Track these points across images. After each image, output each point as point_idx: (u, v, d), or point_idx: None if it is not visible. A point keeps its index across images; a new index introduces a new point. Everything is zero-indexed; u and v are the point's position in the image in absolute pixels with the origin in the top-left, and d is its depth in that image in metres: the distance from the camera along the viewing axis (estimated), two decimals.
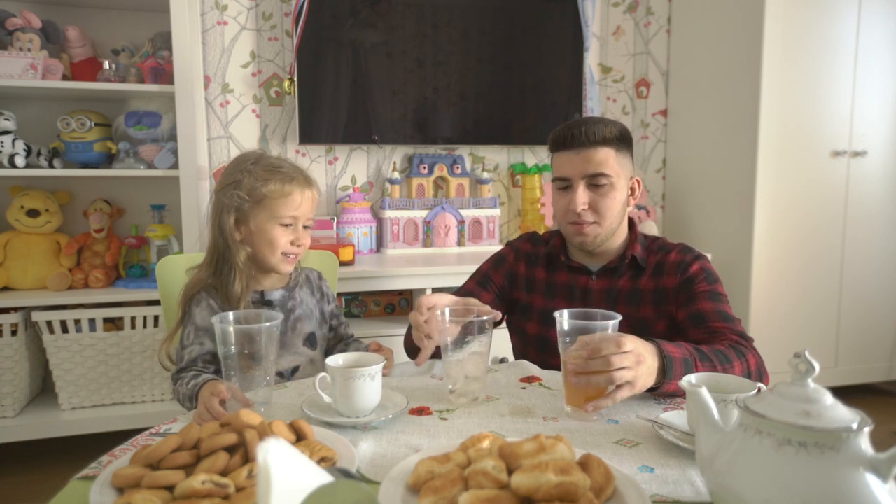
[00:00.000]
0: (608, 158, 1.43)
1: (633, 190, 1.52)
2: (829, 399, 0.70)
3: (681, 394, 1.17)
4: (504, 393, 1.22)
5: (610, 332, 1.11)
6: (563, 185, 1.47)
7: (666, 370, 1.12)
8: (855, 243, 3.08)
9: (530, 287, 1.58)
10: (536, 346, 1.56)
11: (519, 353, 1.63)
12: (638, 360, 1.07)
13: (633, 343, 1.08)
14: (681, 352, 1.16)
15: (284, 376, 1.44)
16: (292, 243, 1.41)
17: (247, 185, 1.37)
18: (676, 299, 1.46)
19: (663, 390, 1.15)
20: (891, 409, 3.06)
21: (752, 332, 2.95)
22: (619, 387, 1.07)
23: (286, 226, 1.40)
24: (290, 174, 1.40)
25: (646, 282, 1.49)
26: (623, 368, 1.06)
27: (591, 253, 1.52)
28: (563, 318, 1.13)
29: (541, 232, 1.68)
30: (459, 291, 1.60)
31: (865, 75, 2.99)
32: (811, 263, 3.03)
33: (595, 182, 1.43)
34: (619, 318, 1.12)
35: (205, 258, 1.44)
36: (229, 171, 1.42)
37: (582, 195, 1.43)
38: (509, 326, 1.66)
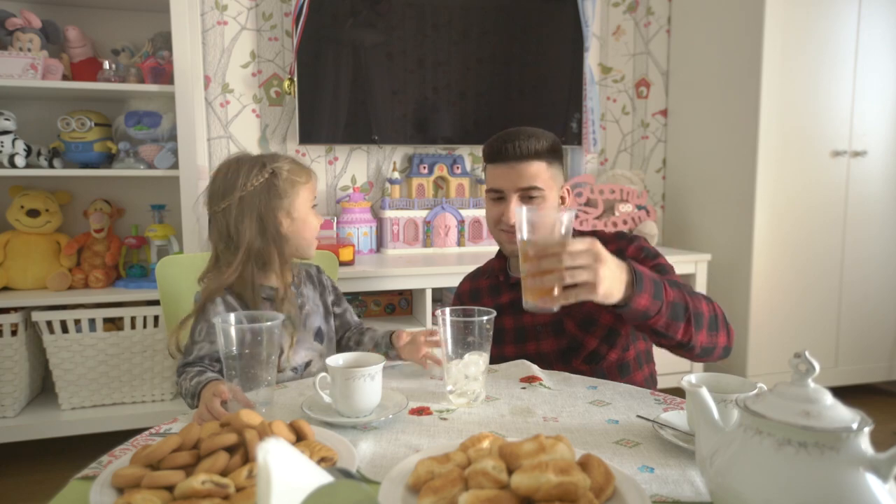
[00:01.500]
0: (540, 172, 1.47)
1: (563, 199, 1.56)
2: (829, 399, 0.70)
3: (653, 313, 1.15)
4: (504, 393, 1.22)
5: (565, 222, 1.08)
6: (497, 196, 1.52)
7: (636, 283, 1.11)
8: (855, 243, 3.08)
9: None
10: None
11: None
12: (597, 257, 1.04)
13: (588, 243, 1.05)
14: (649, 273, 1.17)
15: (298, 371, 1.46)
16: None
17: (285, 177, 1.41)
18: None
19: (633, 307, 1.12)
20: (891, 409, 3.06)
21: (751, 332, 2.96)
22: (578, 285, 1.05)
23: (314, 208, 1.48)
24: (301, 164, 1.48)
25: None
26: (578, 268, 1.03)
27: None
28: (522, 214, 1.09)
29: None
30: None
31: (865, 75, 2.99)
32: (811, 263, 3.03)
33: (528, 195, 1.48)
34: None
35: (235, 264, 1.40)
36: (248, 173, 1.40)
37: (515, 209, 1.48)
38: None
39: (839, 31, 2.93)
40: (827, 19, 2.91)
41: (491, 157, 1.52)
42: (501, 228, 1.53)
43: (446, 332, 1.16)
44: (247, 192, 1.40)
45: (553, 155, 1.50)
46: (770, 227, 2.94)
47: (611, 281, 1.07)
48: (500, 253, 1.67)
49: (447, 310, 1.17)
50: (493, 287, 1.63)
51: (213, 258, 1.44)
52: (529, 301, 1.09)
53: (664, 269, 1.45)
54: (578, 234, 1.59)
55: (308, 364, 1.48)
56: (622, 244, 1.51)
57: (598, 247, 1.06)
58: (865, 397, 3.18)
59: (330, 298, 1.59)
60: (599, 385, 1.27)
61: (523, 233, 1.09)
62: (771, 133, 2.88)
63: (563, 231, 1.08)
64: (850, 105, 2.99)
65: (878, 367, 3.20)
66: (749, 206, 2.93)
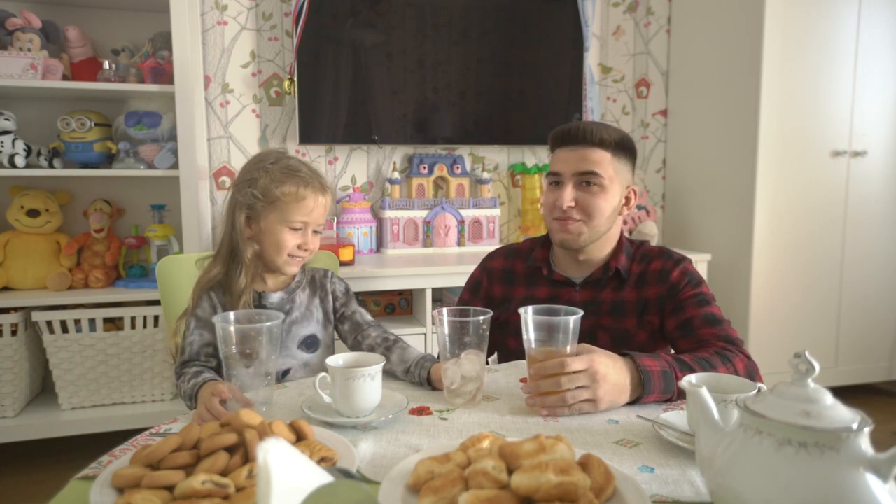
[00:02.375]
0: (603, 160, 1.43)
1: (628, 200, 1.50)
2: (829, 399, 0.70)
3: (665, 400, 1.17)
4: (504, 393, 1.22)
5: (571, 327, 1.11)
6: (555, 179, 1.47)
7: (644, 384, 1.13)
8: (855, 243, 3.08)
9: (507, 305, 1.57)
10: (516, 359, 1.55)
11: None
12: (594, 378, 1.08)
13: (586, 362, 1.08)
14: (658, 364, 1.15)
15: (271, 379, 1.43)
16: (299, 247, 1.40)
17: (262, 185, 1.37)
18: (661, 309, 1.45)
19: (643, 402, 1.15)
20: (891, 409, 3.06)
21: (751, 332, 2.96)
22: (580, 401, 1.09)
23: (295, 230, 1.39)
24: (306, 178, 1.39)
25: (629, 293, 1.48)
26: (577, 389, 1.08)
27: (576, 259, 1.51)
28: (528, 315, 1.14)
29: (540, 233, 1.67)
30: None
31: (865, 75, 2.99)
32: (811, 263, 3.03)
33: (586, 180, 1.43)
34: (581, 312, 1.12)
35: (217, 252, 1.43)
36: (248, 168, 1.42)
37: (570, 192, 1.43)
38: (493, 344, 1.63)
39: (839, 32, 2.93)
40: (827, 19, 2.91)
41: (555, 142, 1.48)
42: (555, 216, 1.46)
43: (444, 332, 1.16)
44: (235, 185, 1.41)
45: (620, 149, 1.45)
46: (770, 227, 2.94)
47: (612, 397, 1.11)
48: (546, 240, 1.59)
49: (444, 310, 1.17)
50: (530, 276, 1.56)
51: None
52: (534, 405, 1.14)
53: (705, 301, 1.41)
54: (628, 243, 1.53)
55: (287, 372, 1.44)
56: (668, 264, 1.46)
57: (596, 365, 1.09)
58: (865, 397, 3.18)
59: (335, 304, 1.53)
60: None
61: (529, 335, 1.14)
62: (771, 133, 2.88)
63: (569, 337, 1.12)
64: (850, 105, 2.99)
65: (878, 367, 3.20)
66: (749, 205, 2.93)
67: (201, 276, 1.43)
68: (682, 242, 3.36)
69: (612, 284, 1.49)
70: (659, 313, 1.45)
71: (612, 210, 1.46)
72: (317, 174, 1.43)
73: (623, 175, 1.47)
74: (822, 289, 3.07)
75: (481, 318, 1.15)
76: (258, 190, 1.37)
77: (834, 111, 2.98)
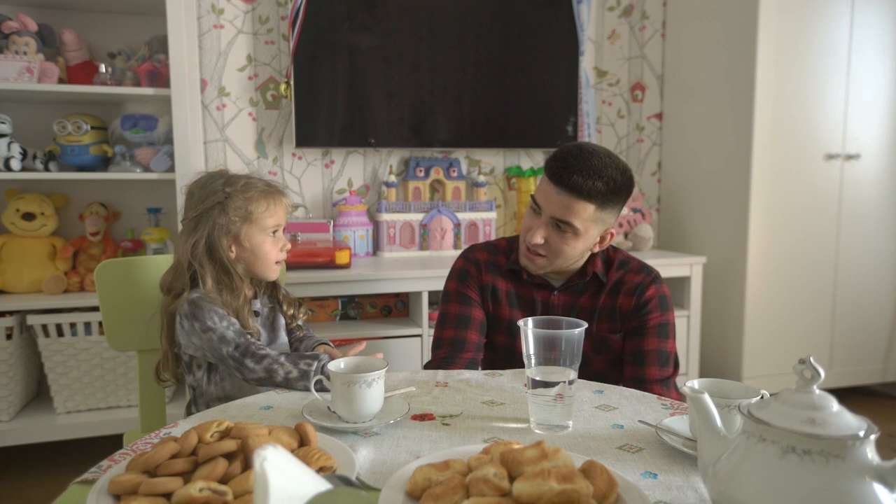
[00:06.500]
0: (584, 212, 1.40)
1: (602, 239, 1.49)
2: (834, 406, 0.69)
3: None
4: (508, 398, 1.22)
5: (576, 336, 1.05)
6: (534, 207, 1.47)
7: None
8: (849, 245, 3.09)
9: (495, 297, 1.58)
10: (505, 357, 1.56)
11: (487, 365, 1.61)
12: None
13: None
14: None
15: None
16: (280, 250, 1.48)
17: (233, 207, 1.40)
18: (627, 322, 1.50)
19: None
20: (885, 412, 3.07)
21: (746, 333, 2.97)
22: None
23: (273, 234, 1.47)
24: (266, 189, 1.45)
25: (603, 299, 1.52)
26: None
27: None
28: (528, 328, 1.06)
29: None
30: (448, 320, 1.55)
31: (858, 78, 3.00)
32: (805, 265, 3.04)
33: (557, 224, 1.42)
34: (584, 325, 1.07)
35: (207, 281, 1.40)
36: (201, 196, 1.42)
37: (541, 230, 1.44)
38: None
39: (832, 35, 2.94)
40: (820, 23, 2.92)
41: (547, 171, 1.43)
42: (526, 243, 1.48)
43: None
44: (199, 211, 1.41)
45: (611, 197, 1.41)
46: (764, 230, 2.94)
47: None
48: None
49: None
50: (512, 274, 1.57)
51: (179, 266, 1.42)
52: None
53: (665, 332, 1.47)
54: (608, 258, 1.56)
55: None
56: (646, 280, 1.51)
57: None
58: (859, 399, 3.19)
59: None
60: (606, 390, 1.26)
61: (529, 349, 1.06)
62: (765, 136, 2.89)
63: (572, 349, 1.05)
64: (843, 108, 3.00)
65: (872, 370, 3.21)
66: (744, 208, 2.93)
67: (200, 300, 1.38)
68: (677, 245, 3.36)
69: (591, 290, 1.54)
70: (625, 323, 1.51)
71: (580, 251, 1.47)
72: (269, 181, 1.49)
73: (605, 220, 1.45)
74: (817, 291, 3.08)
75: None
76: (232, 213, 1.40)
77: (827, 114, 2.99)
